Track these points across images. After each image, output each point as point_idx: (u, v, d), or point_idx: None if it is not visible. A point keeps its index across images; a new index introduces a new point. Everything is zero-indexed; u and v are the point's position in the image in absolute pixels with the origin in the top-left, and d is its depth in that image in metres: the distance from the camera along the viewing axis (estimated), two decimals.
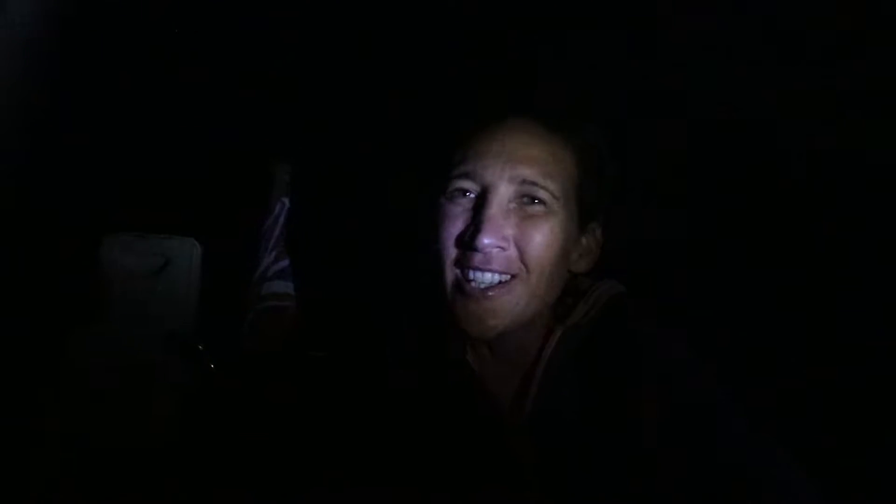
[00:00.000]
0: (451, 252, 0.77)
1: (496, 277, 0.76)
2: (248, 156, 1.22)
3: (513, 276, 0.76)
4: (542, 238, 0.76)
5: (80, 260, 0.92)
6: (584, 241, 0.82)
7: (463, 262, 0.76)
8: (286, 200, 1.21)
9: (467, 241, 0.75)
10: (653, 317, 0.79)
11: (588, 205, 0.81)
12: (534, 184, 0.76)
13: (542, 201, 0.76)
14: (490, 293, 0.75)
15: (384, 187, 1.28)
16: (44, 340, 0.90)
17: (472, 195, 0.77)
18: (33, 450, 0.89)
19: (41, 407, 0.91)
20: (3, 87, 0.69)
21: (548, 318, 0.81)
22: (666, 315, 0.79)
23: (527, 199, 0.76)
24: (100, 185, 1.03)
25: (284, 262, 1.17)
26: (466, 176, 0.77)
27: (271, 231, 1.18)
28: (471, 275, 0.75)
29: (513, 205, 0.76)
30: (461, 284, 0.76)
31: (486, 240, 0.74)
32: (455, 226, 0.77)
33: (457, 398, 0.81)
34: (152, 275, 0.94)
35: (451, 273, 0.77)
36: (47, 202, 0.92)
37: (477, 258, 0.75)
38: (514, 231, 0.75)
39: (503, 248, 0.75)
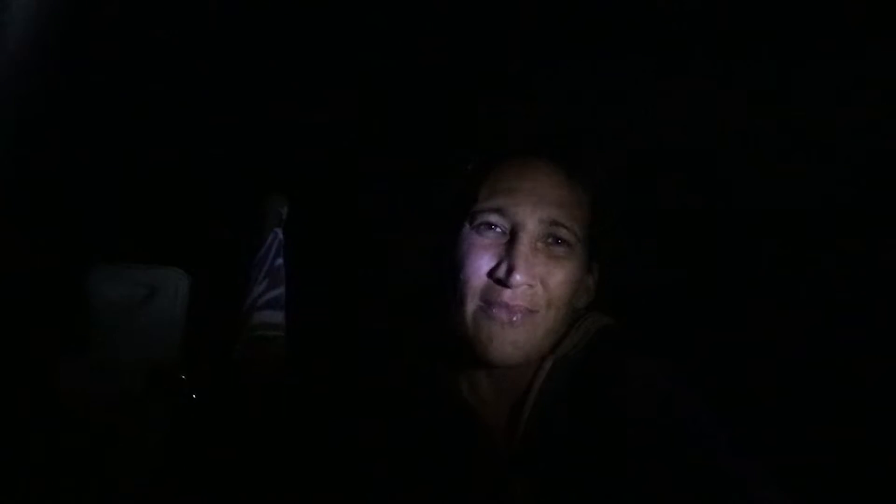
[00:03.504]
0: (478, 283, 0.79)
1: (519, 314, 0.78)
2: (242, 186, 1.24)
3: (533, 312, 0.78)
4: (564, 277, 0.79)
5: (66, 289, 0.93)
6: (587, 279, 0.85)
7: (489, 296, 0.78)
8: (279, 231, 1.22)
9: (501, 278, 0.77)
10: (640, 347, 0.81)
11: (595, 246, 0.84)
12: (562, 225, 0.79)
13: (566, 242, 0.80)
14: (515, 319, 0.77)
15: (380, 219, 1.29)
16: (30, 370, 0.91)
17: (500, 230, 0.80)
18: (21, 477, 0.89)
19: (28, 436, 0.91)
20: None
21: (543, 349, 0.82)
22: (651, 345, 0.80)
23: (552, 239, 0.80)
24: (88, 214, 1.05)
25: (275, 292, 1.18)
26: (497, 211, 0.80)
27: (263, 261, 1.19)
28: (494, 309, 0.77)
29: (540, 244, 0.79)
30: (487, 312, 0.78)
31: (519, 277, 0.76)
32: (483, 259, 0.79)
33: (450, 425, 0.81)
34: (138, 304, 0.95)
35: (474, 303, 0.79)
36: (35, 231, 0.94)
37: (506, 294, 0.77)
38: (541, 269, 0.78)
39: (531, 286, 0.77)
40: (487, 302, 0.78)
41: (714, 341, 1.05)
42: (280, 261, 1.21)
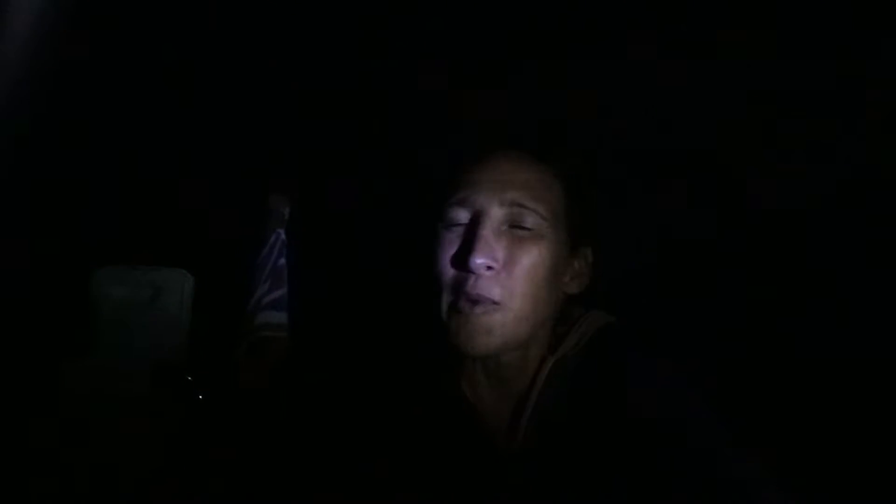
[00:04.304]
0: (448, 275, 0.79)
1: (479, 304, 0.77)
2: (245, 186, 1.24)
3: (496, 303, 0.77)
4: (530, 260, 0.78)
5: (71, 291, 0.93)
6: (575, 264, 0.84)
7: (456, 287, 0.78)
8: (281, 232, 1.22)
9: (460, 262, 0.77)
10: (641, 346, 0.81)
11: (577, 229, 0.83)
12: (524, 206, 0.78)
13: (531, 224, 0.79)
14: (477, 310, 0.76)
15: (380, 218, 1.29)
16: (36, 372, 0.91)
17: (465, 222, 0.80)
18: (25, 480, 0.89)
19: (33, 437, 0.91)
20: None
21: (542, 347, 0.82)
22: (653, 344, 0.80)
23: (517, 222, 0.79)
24: (92, 215, 1.05)
25: (278, 293, 1.18)
26: (460, 203, 0.80)
27: (266, 262, 1.19)
28: (462, 302, 0.77)
29: (504, 227, 0.79)
30: (455, 305, 0.78)
31: (478, 259, 0.76)
32: (450, 251, 0.79)
33: (451, 426, 0.81)
34: (143, 306, 0.95)
35: (447, 298, 0.79)
36: (41, 232, 0.94)
37: (470, 282, 0.76)
38: (504, 253, 0.77)
39: (494, 271, 0.77)
40: (456, 295, 0.78)
41: (714, 340, 1.05)
42: (283, 261, 1.21)
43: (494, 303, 0.77)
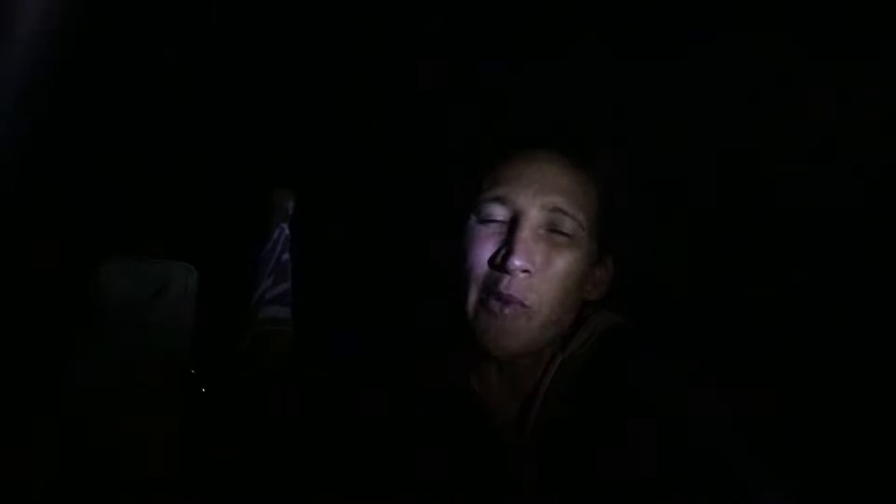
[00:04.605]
0: (480, 272, 0.78)
1: (509, 305, 0.77)
2: (249, 182, 1.24)
3: (526, 307, 0.77)
4: (565, 266, 0.78)
5: (78, 283, 0.93)
6: (597, 272, 0.84)
7: (488, 285, 0.77)
8: (285, 227, 1.22)
9: (498, 263, 0.77)
10: (649, 346, 0.80)
11: (605, 237, 0.83)
12: (564, 212, 0.78)
13: (569, 231, 0.78)
14: (506, 311, 0.76)
15: (386, 212, 1.29)
16: (42, 363, 0.92)
17: (502, 219, 0.79)
18: (32, 471, 0.89)
19: (39, 430, 0.92)
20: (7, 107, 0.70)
21: (554, 345, 0.82)
22: (663, 344, 0.80)
23: (554, 226, 0.79)
24: (99, 209, 1.05)
25: (281, 288, 1.18)
26: (498, 200, 0.79)
27: (269, 256, 1.19)
28: (492, 299, 0.77)
29: (542, 231, 0.78)
30: (484, 302, 0.77)
31: (517, 261, 0.75)
32: (485, 247, 0.78)
33: (459, 422, 0.81)
34: (149, 299, 0.95)
35: (475, 294, 0.78)
36: (48, 226, 0.94)
37: (503, 282, 0.76)
38: (541, 257, 0.77)
39: (529, 273, 0.76)
40: (486, 292, 0.77)
41: (724, 340, 1.05)
42: (286, 256, 1.21)
43: (525, 306, 0.76)
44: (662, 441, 0.72)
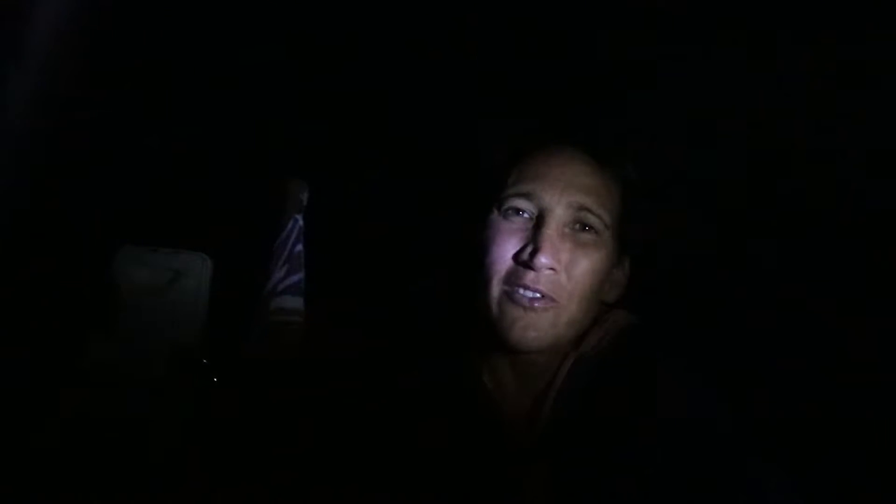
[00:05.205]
0: (503, 267, 0.79)
1: (540, 298, 0.78)
2: (263, 171, 1.24)
3: (554, 301, 0.77)
4: (590, 265, 0.79)
5: (91, 272, 0.93)
6: (616, 273, 0.85)
7: (513, 279, 0.78)
8: (299, 217, 1.22)
9: (524, 260, 0.77)
10: (663, 346, 0.81)
11: (625, 238, 0.83)
12: (589, 211, 0.79)
13: (594, 230, 0.79)
14: (536, 304, 0.77)
15: (400, 206, 1.29)
16: (54, 352, 0.92)
17: (527, 215, 0.80)
18: (40, 458, 0.90)
19: (49, 417, 0.92)
20: (21, 98, 0.71)
21: (569, 343, 0.82)
22: (676, 344, 0.81)
23: (580, 226, 0.79)
24: (113, 198, 1.06)
25: (294, 278, 1.18)
26: (524, 196, 0.80)
27: (283, 247, 1.19)
28: (519, 292, 0.77)
29: (567, 229, 0.79)
30: (510, 295, 0.78)
31: (543, 259, 0.76)
32: (510, 243, 0.79)
33: (471, 418, 0.82)
34: (162, 288, 0.96)
35: (498, 287, 0.79)
36: (61, 214, 0.94)
37: (529, 276, 0.77)
38: (567, 256, 0.78)
39: (555, 271, 0.77)
40: (511, 285, 0.78)
41: (745, 343, 1.04)
42: (300, 247, 1.21)
43: (555, 301, 0.77)
44: (673, 441, 0.73)
